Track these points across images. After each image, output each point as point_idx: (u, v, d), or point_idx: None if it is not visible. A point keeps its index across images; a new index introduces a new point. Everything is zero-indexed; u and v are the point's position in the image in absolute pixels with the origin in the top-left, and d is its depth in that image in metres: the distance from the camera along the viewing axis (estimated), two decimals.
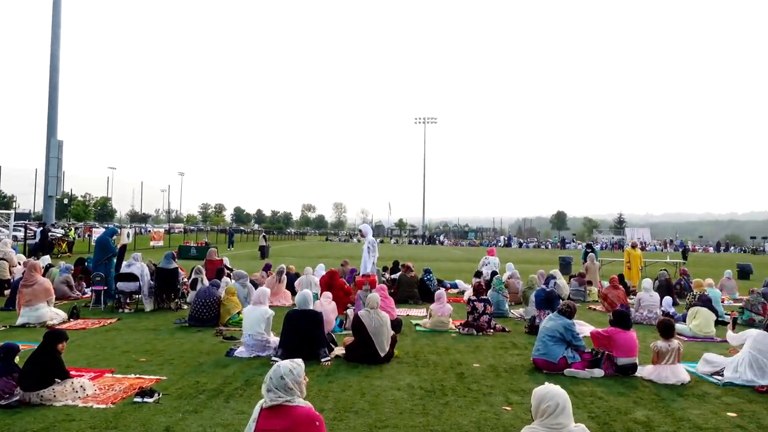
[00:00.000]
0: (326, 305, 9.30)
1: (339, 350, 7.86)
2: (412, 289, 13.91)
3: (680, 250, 76.33)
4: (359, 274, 14.05)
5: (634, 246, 19.26)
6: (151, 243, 37.17)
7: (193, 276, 12.78)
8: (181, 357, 7.52)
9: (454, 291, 16.62)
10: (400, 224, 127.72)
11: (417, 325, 10.41)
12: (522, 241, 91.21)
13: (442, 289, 11.70)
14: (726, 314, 12.19)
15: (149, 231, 48.08)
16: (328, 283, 11.49)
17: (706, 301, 10.79)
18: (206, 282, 11.56)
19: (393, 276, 15.25)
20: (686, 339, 9.84)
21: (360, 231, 12.96)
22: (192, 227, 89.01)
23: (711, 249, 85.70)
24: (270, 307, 8.28)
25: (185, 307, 11.79)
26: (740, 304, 13.03)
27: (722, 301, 13.95)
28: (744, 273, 25.82)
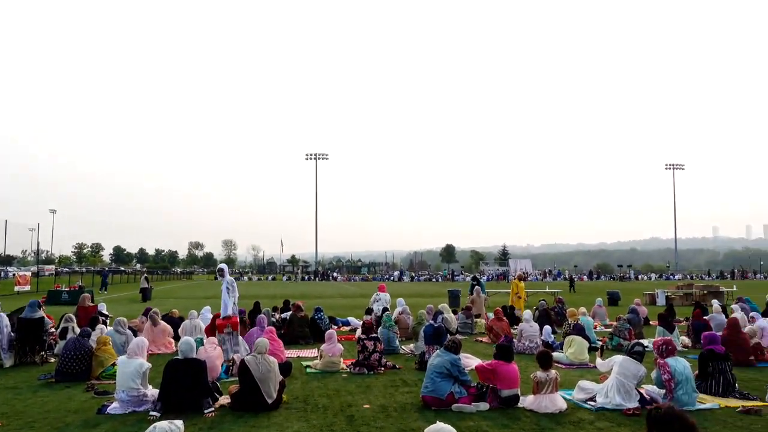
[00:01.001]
0: (211, 351, 8.89)
1: (224, 399, 7.50)
2: (302, 328, 13.67)
3: (559, 279, 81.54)
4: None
5: (520, 278, 20.45)
6: (16, 288, 33.81)
7: (62, 325, 11.71)
8: (45, 418, 6.81)
9: (347, 329, 16.56)
10: (293, 260, 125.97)
11: (308, 366, 10.20)
12: (414, 274, 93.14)
13: (333, 329, 11.61)
14: (598, 341, 13.08)
15: (13, 275, 43.74)
16: (214, 327, 10.99)
17: (579, 330, 11.54)
18: (77, 331, 10.65)
19: (283, 315, 14.93)
20: (564, 367, 10.41)
21: (219, 270, 12.37)
22: (65, 269, 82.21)
23: (585, 277, 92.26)
24: (151, 355, 7.77)
25: (52, 360, 10.75)
26: (610, 330, 14.04)
27: (595, 328, 14.99)
28: (613, 300, 27.91)
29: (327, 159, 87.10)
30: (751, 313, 14.44)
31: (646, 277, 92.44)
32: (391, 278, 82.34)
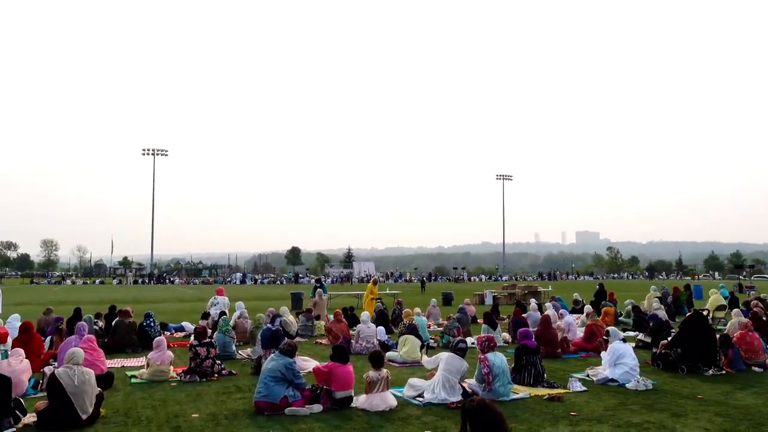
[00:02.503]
0: (16, 365, 7.93)
1: (29, 418, 6.70)
2: (129, 336, 12.71)
3: (400, 281, 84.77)
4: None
5: (374, 282, 21.21)
6: None
7: None
8: None
9: (181, 335, 15.73)
10: (125, 262, 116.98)
11: (133, 376, 9.50)
12: (257, 277, 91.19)
13: (162, 336, 10.94)
14: (431, 339, 13.81)
15: None
16: (21, 337, 9.83)
17: (413, 329, 12.07)
18: None
19: (110, 322, 13.76)
20: (398, 366, 10.82)
21: None
22: None
23: (425, 279, 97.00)
24: None
25: None
26: (441, 329, 14.88)
27: (429, 327, 15.80)
28: (447, 300, 29.68)
29: (166, 155, 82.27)
30: (561, 311, 16.17)
31: (477, 279, 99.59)
32: (233, 281, 79.82)
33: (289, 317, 15.19)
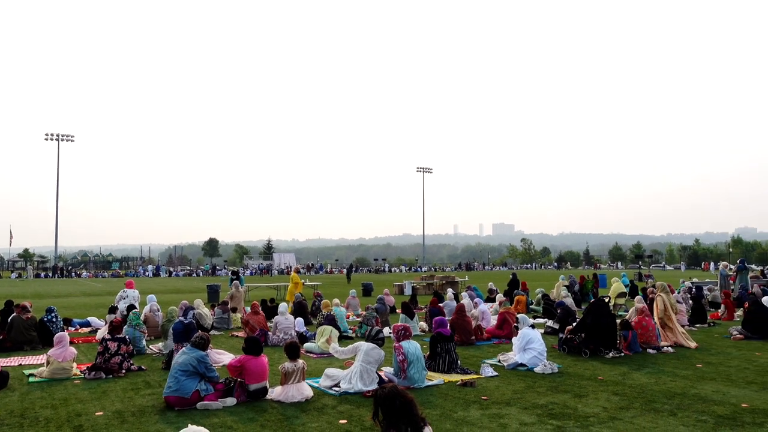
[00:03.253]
0: None
1: None
2: (28, 332, 11.90)
3: (321, 272, 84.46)
4: None
5: (297, 271, 21.21)
6: None
7: None
8: None
9: (86, 330, 14.96)
10: (26, 255, 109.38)
11: (31, 375, 8.92)
12: (172, 269, 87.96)
13: (65, 332, 10.35)
14: (349, 329, 13.87)
15: None
16: None
17: (331, 320, 12.06)
18: None
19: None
20: (315, 356, 10.78)
21: None
22: None
23: (345, 270, 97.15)
24: None
25: None
26: (360, 320, 14.96)
27: (347, 318, 15.85)
28: (367, 291, 29.88)
29: (72, 141, 77.36)
30: (476, 299, 16.69)
31: (398, 270, 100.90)
32: (146, 274, 76.60)
33: (204, 310, 14.76)
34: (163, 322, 12.58)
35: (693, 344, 11.38)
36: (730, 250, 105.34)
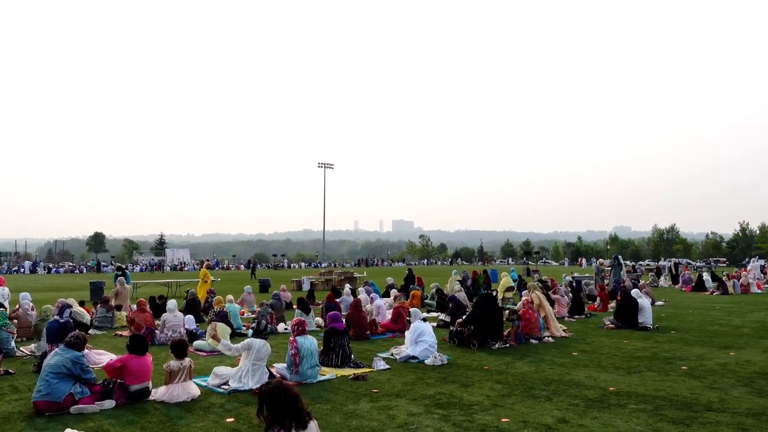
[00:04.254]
0: None
1: None
2: None
3: (217, 268, 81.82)
4: None
5: (208, 267, 20.54)
6: None
7: None
8: None
9: None
10: None
11: None
12: (52, 266, 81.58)
13: None
14: (243, 326, 13.53)
15: None
16: None
17: (223, 317, 11.72)
18: None
19: None
20: (205, 354, 10.44)
21: None
22: None
23: (242, 266, 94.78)
24: None
25: None
26: (254, 316, 14.66)
27: (242, 315, 15.46)
28: (264, 287, 29.35)
29: None
30: (372, 294, 16.88)
31: (297, 266, 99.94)
32: (22, 270, 70.52)
33: (79, 308, 13.80)
34: (37, 321, 11.64)
35: (566, 334, 12.20)
36: (608, 246, 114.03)
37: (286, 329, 13.25)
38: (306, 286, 29.31)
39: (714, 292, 24.75)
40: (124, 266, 25.59)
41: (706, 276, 28.15)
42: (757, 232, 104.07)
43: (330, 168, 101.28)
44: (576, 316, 15.92)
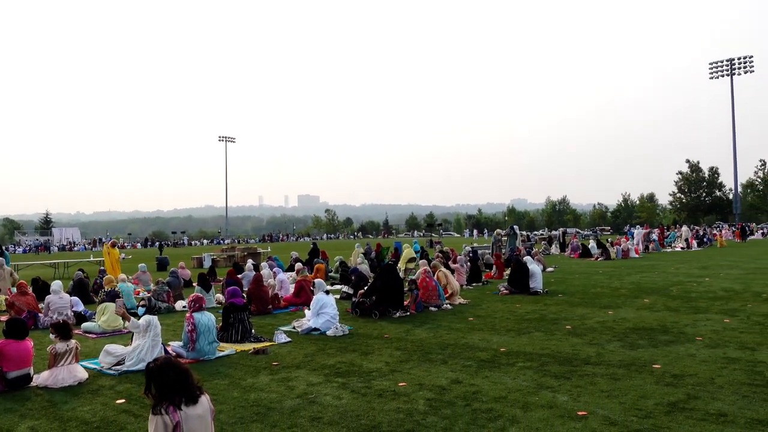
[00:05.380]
0: None
1: None
2: None
3: (116, 247, 77.38)
4: None
5: (113, 245, 20.28)
6: None
7: None
8: None
9: None
10: None
11: None
12: None
13: None
14: (138, 305, 12.95)
15: None
16: None
17: (114, 296, 11.15)
18: None
19: None
20: (95, 336, 9.92)
21: None
22: None
23: (139, 245, 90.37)
24: None
25: None
26: (149, 295, 14.08)
27: (137, 294, 14.76)
28: (162, 265, 28.19)
29: None
30: (275, 269, 16.71)
31: (199, 243, 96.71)
32: None
33: None
34: None
35: (464, 301, 12.74)
36: (506, 218, 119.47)
37: (184, 307, 12.83)
38: (207, 263, 28.47)
39: (598, 257, 26.66)
40: (3, 247, 23.57)
41: (591, 243, 30.26)
42: (637, 202, 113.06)
43: (232, 142, 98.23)
44: (474, 284, 16.62)
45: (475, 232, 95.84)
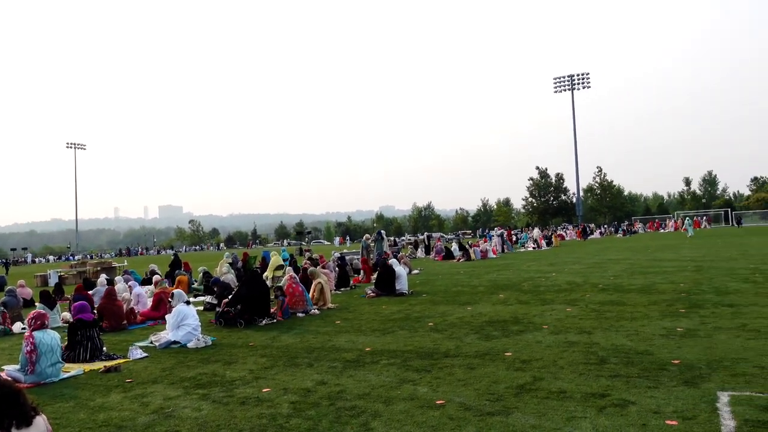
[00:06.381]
0: None
1: None
2: None
3: None
4: None
5: None
6: None
7: None
8: None
9: None
10: None
11: None
12: None
13: None
14: None
15: None
16: None
17: None
18: None
19: None
20: None
21: None
22: None
23: None
24: None
25: None
26: None
27: None
28: None
29: None
30: (130, 283, 15.68)
31: (44, 260, 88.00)
32: None
33: None
34: None
35: (332, 306, 12.81)
36: (374, 224, 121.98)
37: (23, 329, 11.59)
38: (54, 281, 26.03)
39: (460, 259, 28.07)
40: None
41: (454, 246, 31.83)
42: (495, 207, 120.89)
43: (82, 149, 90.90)
44: (342, 289, 16.75)
45: (337, 239, 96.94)
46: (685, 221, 50.91)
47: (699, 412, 4.65)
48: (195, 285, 18.94)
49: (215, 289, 14.02)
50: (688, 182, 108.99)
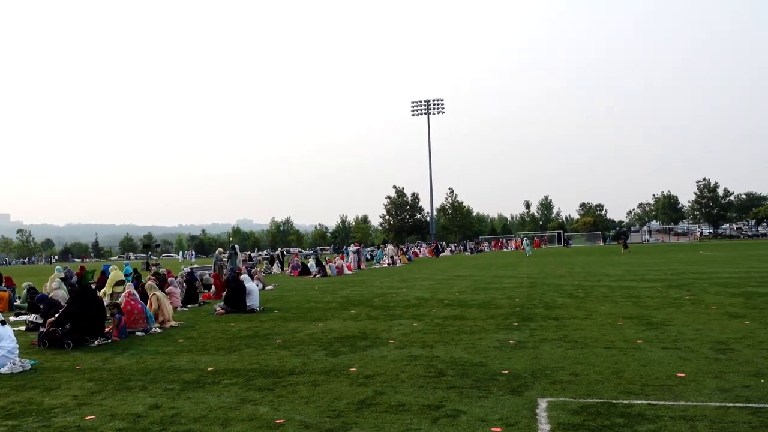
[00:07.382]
0: None
1: None
2: None
3: None
4: None
5: None
6: None
7: None
8: None
9: None
10: None
11: None
12: None
13: None
14: None
15: None
16: None
17: None
18: None
19: None
20: None
21: None
22: None
23: None
24: None
25: None
26: None
27: None
28: None
29: None
30: None
31: None
32: None
33: None
34: None
35: (176, 324, 12.13)
36: (230, 238, 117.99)
37: None
38: None
39: (316, 275, 28.05)
40: None
41: (311, 262, 31.72)
42: (353, 223, 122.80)
43: None
44: (189, 305, 15.95)
45: (187, 254, 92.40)
46: (524, 241, 55.43)
47: (521, 418, 5.03)
48: (18, 302, 16.99)
49: (41, 306, 12.64)
50: (528, 205, 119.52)
